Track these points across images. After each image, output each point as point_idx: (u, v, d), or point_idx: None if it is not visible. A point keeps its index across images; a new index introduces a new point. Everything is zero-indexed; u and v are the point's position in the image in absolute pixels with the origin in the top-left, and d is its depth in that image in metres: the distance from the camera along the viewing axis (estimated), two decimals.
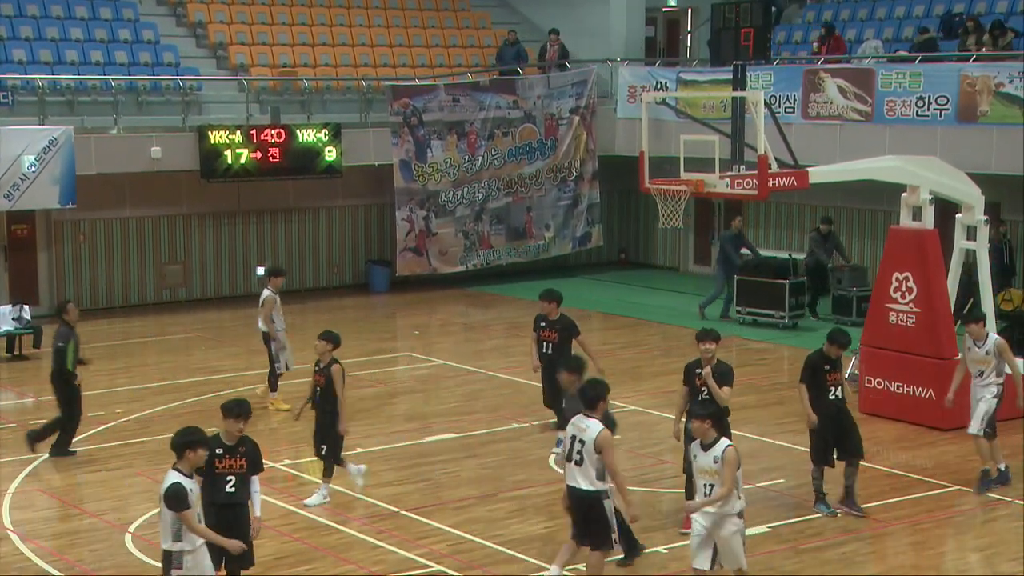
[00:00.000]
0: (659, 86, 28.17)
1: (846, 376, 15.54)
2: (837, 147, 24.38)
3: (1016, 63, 22.93)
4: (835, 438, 13.86)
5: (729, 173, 17.61)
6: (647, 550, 12.72)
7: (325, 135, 26.61)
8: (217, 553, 10.43)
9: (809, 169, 17.60)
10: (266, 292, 18.28)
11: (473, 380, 20.05)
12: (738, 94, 18.38)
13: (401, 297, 28.00)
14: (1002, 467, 14.95)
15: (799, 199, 27.11)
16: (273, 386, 18.39)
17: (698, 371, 13.42)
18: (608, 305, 26.85)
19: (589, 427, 11.32)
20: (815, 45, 27.58)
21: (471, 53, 31.75)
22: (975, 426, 14.71)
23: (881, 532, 13.57)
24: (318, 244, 28.60)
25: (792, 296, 23.98)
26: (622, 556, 12.33)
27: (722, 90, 24.24)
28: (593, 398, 11.47)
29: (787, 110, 25.37)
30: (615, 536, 11.50)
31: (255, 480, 11.08)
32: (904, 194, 17.87)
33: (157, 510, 14.13)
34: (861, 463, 14.09)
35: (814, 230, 25.86)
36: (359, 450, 16.73)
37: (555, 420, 16.39)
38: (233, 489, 10.88)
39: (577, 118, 29.55)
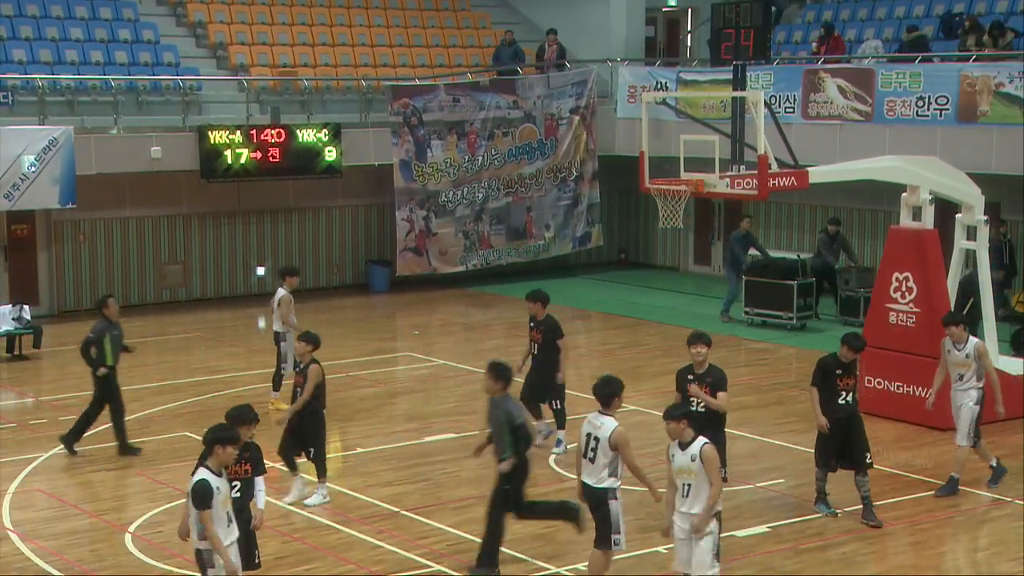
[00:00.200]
0: (659, 86, 28.17)
1: None
2: (837, 147, 24.38)
3: (1016, 63, 22.93)
4: (840, 445, 13.76)
5: (729, 173, 17.60)
6: (644, 551, 12.72)
7: (325, 135, 26.62)
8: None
9: (809, 169, 17.59)
10: (281, 291, 18.26)
11: (473, 380, 20.03)
12: (738, 94, 18.37)
13: (401, 297, 28.01)
14: (993, 463, 14.94)
15: (799, 199, 27.11)
16: (276, 385, 18.39)
17: (689, 377, 13.34)
18: (608, 305, 26.85)
19: (604, 424, 11.42)
20: (814, 45, 27.59)
21: (471, 53, 31.75)
22: (963, 438, 14.57)
23: (881, 532, 13.56)
24: (318, 244, 28.60)
25: (800, 297, 23.91)
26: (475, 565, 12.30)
27: (722, 90, 24.25)
28: (607, 395, 11.56)
29: (787, 110, 25.37)
30: (616, 536, 11.52)
31: (260, 480, 11.12)
32: (904, 194, 17.86)
33: (157, 510, 14.28)
34: (871, 471, 13.96)
35: (822, 231, 25.85)
36: (359, 450, 16.77)
37: (551, 420, 16.43)
38: (238, 493, 10.89)
39: (577, 118, 29.55)
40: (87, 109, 25.90)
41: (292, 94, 28.34)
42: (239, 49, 28.82)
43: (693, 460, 10.75)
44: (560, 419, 16.28)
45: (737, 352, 22.30)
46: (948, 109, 23.43)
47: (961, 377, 14.63)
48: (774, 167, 17.06)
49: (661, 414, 11.04)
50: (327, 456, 14.69)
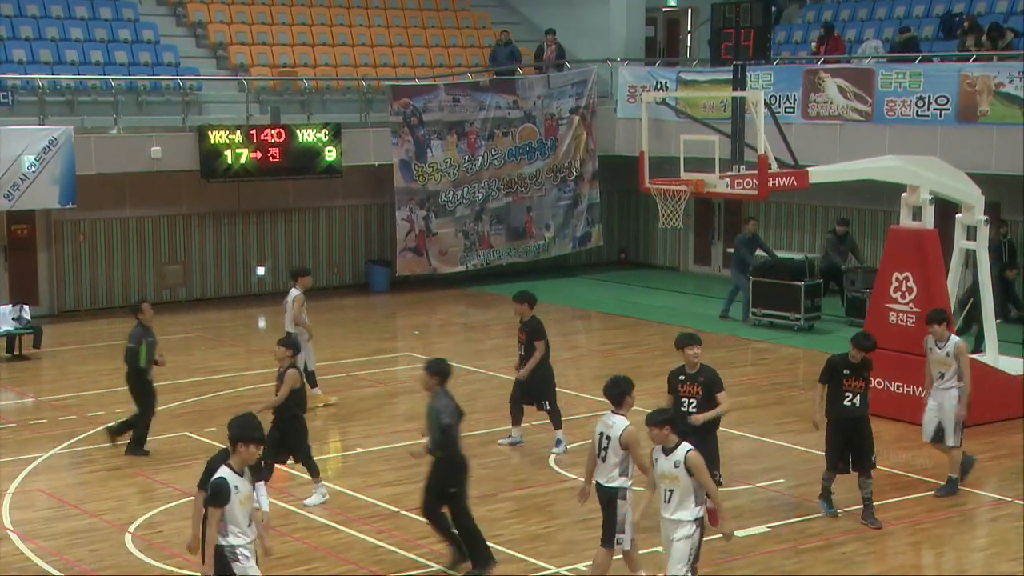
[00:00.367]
0: (659, 86, 28.17)
1: None
2: (837, 147, 24.38)
3: (1016, 63, 22.94)
4: (844, 447, 13.66)
5: (729, 173, 17.60)
6: (644, 551, 12.71)
7: (325, 135, 26.62)
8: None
9: (809, 169, 17.59)
10: (294, 291, 18.16)
11: (473, 380, 20.03)
12: (738, 94, 18.37)
13: (401, 297, 28.01)
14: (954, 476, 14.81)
15: (799, 199, 27.10)
16: (312, 382, 18.26)
17: (681, 378, 13.27)
18: (608, 305, 26.85)
19: (615, 424, 11.45)
20: (814, 45, 27.59)
21: (471, 53, 31.75)
22: (952, 439, 14.49)
23: (881, 532, 13.55)
24: (318, 244, 28.60)
25: (808, 298, 23.82)
26: (449, 561, 12.33)
27: (722, 90, 24.24)
28: (618, 395, 11.59)
29: (787, 110, 25.37)
30: (620, 536, 11.53)
31: (260, 486, 11.12)
32: (904, 194, 17.86)
33: (157, 510, 14.28)
34: (873, 472, 13.93)
35: (830, 231, 25.82)
36: (359, 450, 16.76)
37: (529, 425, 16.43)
38: None
39: (577, 118, 29.55)
40: (87, 109, 25.90)
41: (292, 94, 28.34)
42: (239, 49, 28.82)
43: (676, 466, 10.67)
44: (555, 419, 16.24)
45: (738, 352, 22.29)
46: (948, 109, 23.44)
47: (942, 376, 14.54)
48: (774, 167, 17.06)
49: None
50: (314, 456, 14.54)
